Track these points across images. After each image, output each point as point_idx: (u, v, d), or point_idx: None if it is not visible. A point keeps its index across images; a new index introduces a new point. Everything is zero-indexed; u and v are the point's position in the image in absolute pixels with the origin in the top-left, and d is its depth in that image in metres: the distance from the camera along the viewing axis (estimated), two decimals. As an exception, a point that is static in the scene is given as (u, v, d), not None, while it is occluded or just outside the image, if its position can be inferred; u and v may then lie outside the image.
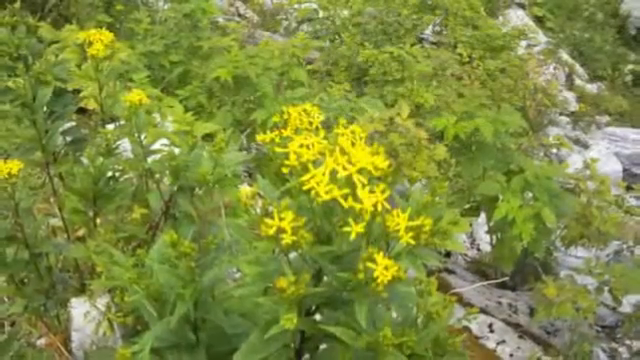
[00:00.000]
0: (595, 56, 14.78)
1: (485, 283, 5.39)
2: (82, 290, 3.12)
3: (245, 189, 1.58)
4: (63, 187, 3.25)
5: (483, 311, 5.01)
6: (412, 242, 1.45)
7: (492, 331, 4.80)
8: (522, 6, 15.75)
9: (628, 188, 6.57)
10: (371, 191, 1.42)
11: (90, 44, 3.02)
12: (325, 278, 1.60)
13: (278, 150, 1.58)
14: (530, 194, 4.83)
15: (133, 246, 2.83)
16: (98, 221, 2.97)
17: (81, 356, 2.96)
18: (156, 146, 2.97)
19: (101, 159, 2.86)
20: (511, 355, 4.61)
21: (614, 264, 5.10)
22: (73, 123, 3.58)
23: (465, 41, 11.33)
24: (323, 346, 1.73)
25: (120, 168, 3.02)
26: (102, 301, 2.82)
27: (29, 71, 3.06)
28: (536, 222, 4.60)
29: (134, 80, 5.91)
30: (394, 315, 1.72)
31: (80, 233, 3.43)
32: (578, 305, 4.37)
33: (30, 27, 3.37)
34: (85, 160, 2.93)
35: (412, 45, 9.59)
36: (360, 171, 1.44)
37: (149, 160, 2.86)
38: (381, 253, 1.42)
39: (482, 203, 5.20)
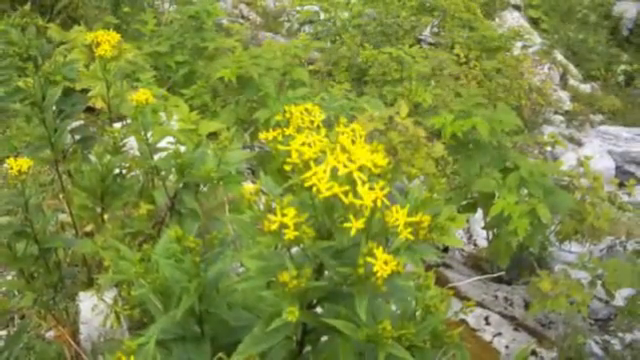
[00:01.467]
0: (589, 56, 14.77)
1: (482, 277, 5.39)
2: (90, 284, 3.12)
3: (248, 186, 1.58)
4: (71, 184, 3.25)
5: (480, 304, 5.01)
6: (411, 237, 1.45)
7: (488, 324, 4.80)
8: (518, 8, 15.74)
9: (620, 185, 6.57)
10: (371, 188, 1.42)
11: (98, 45, 3.02)
12: (326, 272, 1.60)
13: (280, 148, 1.58)
14: (525, 191, 4.83)
15: (139, 241, 2.83)
16: (105, 217, 2.98)
17: (89, 348, 2.97)
18: (162, 144, 2.97)
19: (108, 157, 2.86)
20: (507, 347, 4.61)
21: (607, 259, 5.11)
22: (81, 122, 3.59)
23: (462, 42, 11.33)
24: (324, 338, 1.73)
25: (127, 165, 3.03)
26: (109, 295, 2.83)
27: (39, 71, 3.06)
28: (531, 218, 4.60)
29: (140, 80, 5.90)
30: (393, 308, 1.73)
31: (88, 229, 3.43)
32: (572, 299, 4.38)
33: (39, 28, 3.38)
34: (93, 158, 2.94)
35: (411, 46, 9.60)
36: (360, 168, 1.44)
37: (155, 158, 2.86)
38: (380, 248, 1.42)
39: (479, 199, 5.20)
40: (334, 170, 1.43)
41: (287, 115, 1.74)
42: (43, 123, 3.04)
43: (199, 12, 7.16)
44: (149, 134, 2.85)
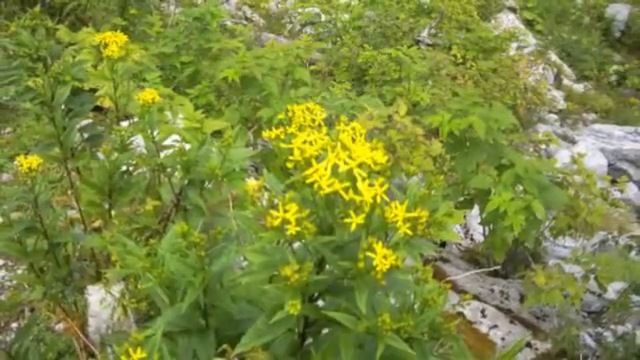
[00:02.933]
0: (582, 57, 14.75)
1: (478, 271, 5.39)
2: (98, 278, 3.12)
3: (252, 183, 1.58)
4: (80, 181, 3.26)
5: (476, 298, 5.01)
6: (409, 232, 1.45)
7: (485, 316, 4.80)
8: (513, 10, 15.71)
9: (613, 182, 6.56)
10: (371, 184, 1.42)
11: (106, 46, 3.02)
12: (327, 267, 1.59)
13: (283, 146, 1.58)
14: (521, 187, 4.83)
15: (146, 236, 2.83)
16: (113, 213, 2.98)
17: (97, 340, 2.97)
18: (168, 142, 2.97)
19: (116, 154, 2.86)
20: (502, 339, 4.61)
21: (600, 253, 5.10)
22: (90, 120, 3.58)
23: (459, 43, 11.31)
24: (325, 331, 1.72)
25: (134, 163, 3.02)
26: (117, 288, 2.83)
27: (48, 71, 3.06)
28: (526, 214, 4.60)
29: (147, 80, 5.90)
30: (392, 301, 1.72)
31: (96, 224, 3.43)
32: (566, 292, 4.38)
33: (49, 30, 3.37)
34: (101, 155, 2.94)
35: (409, 47, 9.56)
36: (360, 165, 1.43)
37: (161, 155, 2.86)
38: (380, 243, 1.42)
39: (475, 196, 5.20)
40: (335, 167, 1.42)
41: (289, 114, 1.74)
42: (52, 122, 3.04)
43: (204, 14, 7.16)
44: (155, 132, 2.85)
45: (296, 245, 1.54)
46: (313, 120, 1.72)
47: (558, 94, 12.62)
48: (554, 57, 13.89)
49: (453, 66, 10.00)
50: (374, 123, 4.86)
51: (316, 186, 1.41)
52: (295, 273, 1.44)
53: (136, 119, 3.33)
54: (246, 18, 12.36)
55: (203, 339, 1.82)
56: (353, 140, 1.51)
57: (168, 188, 2.85)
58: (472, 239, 6.44)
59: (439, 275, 5.08)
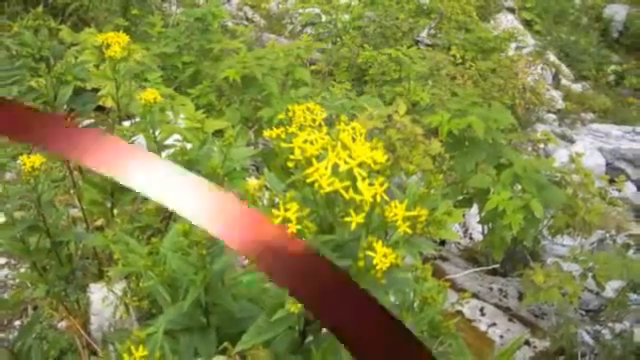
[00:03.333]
0: (580, 57, 14.75)
1: (477, 270, 5.39)
2: (100, 276, 3.12)
3: (253, 182, 1.58)
4: (82, 180, 3.25)
5: (475, 296, 5.01)
6: (409, 231, 1.45)
7: (483, 315, 4.80)
8: (512, 10, 15.71)
9: (611, 181, 6.57)
10: (371, 184, 1.42)
11: (108, 46, 3.02)
12: (327, 265, 1.59)
13: (283, 145, 1.58)
14: (519, 186, 4.83)
15: (148, 235, 2.83)
16: (115, 212, 2.98)
17: (99, 338, 2.97)
18: (169, 142, 2.97)
19: (118, 154, 2.85)
20: (501, 337, 4.61)
21: (598, 252, 5.11)
22: (92, 120, 3.58)
23: (458, 43, 11.32)
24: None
25: (136, 162, 3.02)
26: (119, 286, 2.83)
27: (51, 71, 3.06)
28: (525, 213, 4.60)
29: (149, 80, 5.90)
30: (392, 299, 1.72)
31: (98, 223, 3.43)
32: (564, 290, 4.38)
33: (51, 30, 3.37)
34: (103, 155, 2.93)
35: (409, 47, 9.56)
36: (360, 165, 1.43)
37: (163, 155, 2.85)
38: (380, 242, 1.42)
39: (474, 195, 5.20)
40: (335, 167, 1.42)
41: (290, 114, 1.73)
42: (55, 121, 3.03)
43: (205, 14, 7.16)
44: (157, 132, 2.85)
45: (296, 244, 1.54)
46: (313, 120, 1.72)
47: (556, 94, 12.63)
48: (552, 57, 13.89)
49: (452, 66, 10.01)
50: (374, 123, 4.86)
51: (316, 185, 1.41)
52: (296, 271, 1.43)
53: (138, 119, 3.33)
54: (247, 19, 12.36)
55: (204, 337, 1.82)
56: (353, 140, 1.51)
57: (170, 187, 2.85)
58: (471, 238, 6.44)
59: (438, 273, 5.08)
